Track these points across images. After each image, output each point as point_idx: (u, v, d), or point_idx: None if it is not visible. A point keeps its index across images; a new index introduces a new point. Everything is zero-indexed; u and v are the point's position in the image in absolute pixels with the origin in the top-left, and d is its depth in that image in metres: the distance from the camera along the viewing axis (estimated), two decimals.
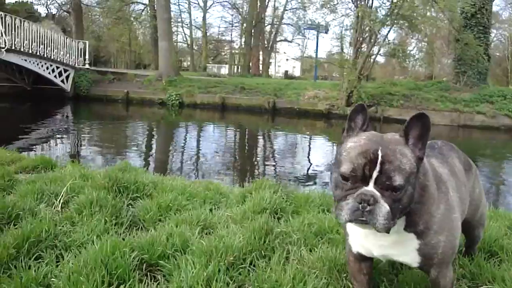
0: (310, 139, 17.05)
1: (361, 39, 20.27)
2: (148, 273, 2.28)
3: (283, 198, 3.53)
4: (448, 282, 1.96)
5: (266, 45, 43.98)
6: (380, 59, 34.86)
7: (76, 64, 23.83)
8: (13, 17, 19.26)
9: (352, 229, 1.92)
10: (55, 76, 21.85)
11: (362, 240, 1.90)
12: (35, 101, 21.05)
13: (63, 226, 2.80)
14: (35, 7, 38.43)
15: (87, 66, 24.93)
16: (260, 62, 42.48)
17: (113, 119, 19.37)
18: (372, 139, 1.61)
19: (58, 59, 21.97)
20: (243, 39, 43.39)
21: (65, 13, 38.17)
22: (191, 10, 47.41)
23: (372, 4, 20.01)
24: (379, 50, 21.99)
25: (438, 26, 22.16)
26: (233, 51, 49.79)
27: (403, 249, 1.82)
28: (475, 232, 2.52)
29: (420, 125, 1.64)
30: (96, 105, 23.06)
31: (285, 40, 50.19)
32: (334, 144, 13.64)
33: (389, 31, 21.11)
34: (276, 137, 17.37)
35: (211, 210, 3.33)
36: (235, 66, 45.01)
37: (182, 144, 14.46)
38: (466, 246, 2.69)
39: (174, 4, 41.29)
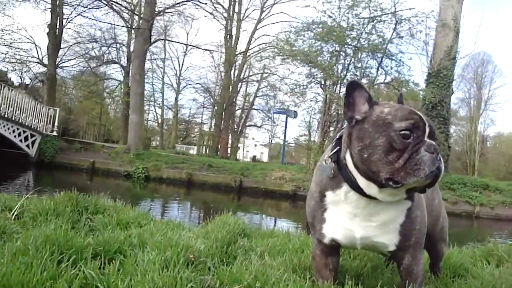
0: (275, 221, 16.87)
1: (328, 123, 20.89)
2: (103, 261, 2.13)
3: (246, 226, 3.44)
4: (420, 271, 1.93)
5: (235, 129, 44.73)
6: None
7: (44, 130, 23.53)
8: None
9: (335, 212, 1.89)
10: (20, 140, 21.41)
11: (347, 222, 1.87)
12: None
13: (13, 229, 2.62)
14: (9, 75, 38.40)
15: (55, 133, 24.61)
16: (229, 145, 42.93)
17: (76, 188, 18.79)
18: (399, 104, 1.82)
19: (26, 123, 21.67)
20: (213, 121, 44.11)
21: (39, 83, 38.27)
22: (164, 90, 48.42)
23: (340, 89, 20.86)
24: None
25: None
26: (202, 132, 50.42)
27: (387, 227, 1.84)
28: (438, 246, 2.49)
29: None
30: (59, 173, 22.40)
31: (255, 125, 51.25)
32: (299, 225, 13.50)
33: None
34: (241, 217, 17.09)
35: (172, 232, 3.20)
36: (204, 147, 45.36)
37: None
38: (430, 266, 2.64)
39: (148, 83, 42.08)
